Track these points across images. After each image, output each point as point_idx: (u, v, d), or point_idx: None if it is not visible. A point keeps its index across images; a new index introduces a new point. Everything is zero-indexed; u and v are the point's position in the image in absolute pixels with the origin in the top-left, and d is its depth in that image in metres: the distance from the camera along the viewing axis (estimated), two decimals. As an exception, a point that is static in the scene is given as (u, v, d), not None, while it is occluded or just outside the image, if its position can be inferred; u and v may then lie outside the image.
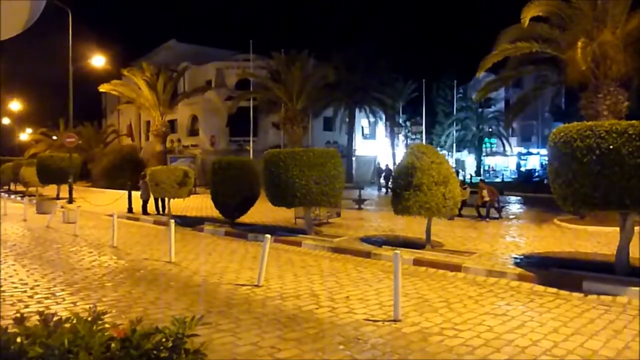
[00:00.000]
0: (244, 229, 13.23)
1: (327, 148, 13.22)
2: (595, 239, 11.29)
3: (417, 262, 9.17)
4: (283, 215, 15.00)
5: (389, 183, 25.81)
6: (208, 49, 43.42)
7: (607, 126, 7.01)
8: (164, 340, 1.87)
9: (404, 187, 9.77)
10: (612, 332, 5.57)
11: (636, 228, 9.29)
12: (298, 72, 28.99)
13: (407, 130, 48.41)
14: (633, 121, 7.05)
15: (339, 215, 15.33)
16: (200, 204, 20.33)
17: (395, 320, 5.91)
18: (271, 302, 6.80)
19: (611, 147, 6.80)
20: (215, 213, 14.90)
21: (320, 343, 5.26)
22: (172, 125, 38.95)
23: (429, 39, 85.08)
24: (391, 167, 30.74)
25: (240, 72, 34.35)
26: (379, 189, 28.98)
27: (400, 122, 47.45)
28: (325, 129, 42.60)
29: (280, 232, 12.58)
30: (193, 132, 40.90)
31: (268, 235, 8.02)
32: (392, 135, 45.50)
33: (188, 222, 14.97)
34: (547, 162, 9.58)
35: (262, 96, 32.63)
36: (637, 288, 6.85)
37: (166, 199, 16.54)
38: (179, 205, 18.40)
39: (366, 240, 11.42)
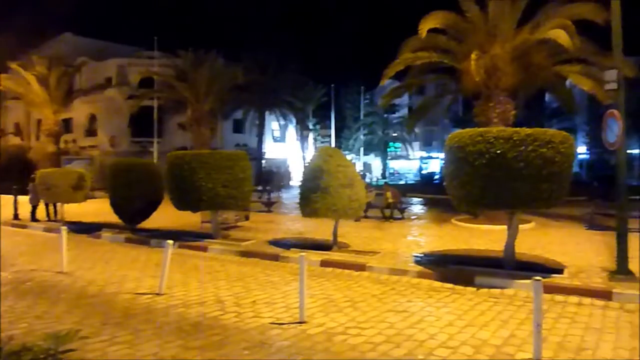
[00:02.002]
0: (146, 235, 12.61)
1: (235, 150, 13.01)
2: (487, 237, 12.17)
3: (324, 264, 9.30)
4: (189, 219, 14.51)
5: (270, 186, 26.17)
6: (109, 44, 40.97)
7: (495, 132, 7.60)
8: (35, 358, 1.69)
9: (311, 190, 9.87)
10: (500, 322, 6.03)
11: (520, 226, 10.19)
12: (206, 72, 28.26)
13: (316, 134, 49.17)
14: (517, 128, 7.71)
15: (247, 218, 15.15)
16: (98, 209, 19.03)
17: (300, 322, 5.93)
18: (174, 311, 6.53)
19: (499, 151, 7.37)
20: (114, 219, 14.03)
21: (224, 349, 5.13)
22: (67, 125, 36.21)
23: (338, 45, 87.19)
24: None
25: (143, 70, 32.70)
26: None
27: (310, 125, 48.10)
28: (235, 131, 42.01)
29: (185, 237, 12.15)
30: (91, 132, 38.33)
31: (170, 241, 7.69)
32: (302, 139, 45.97)
33: (84, 229, 13.97)
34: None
35: (167, 96, 31.38)
36: (522, 281, 7.48)
37: (59, 204, 15.29)
38: (74, 210, 17.09)
39: (275, 243, 11.39)
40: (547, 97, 42.32)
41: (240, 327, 5.84)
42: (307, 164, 10.58)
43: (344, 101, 53.12)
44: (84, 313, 6.41)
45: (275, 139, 47.10)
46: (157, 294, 7.28)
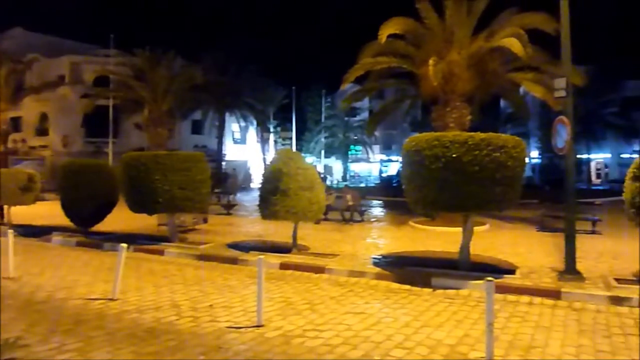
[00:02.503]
0: (100, 239, 12.20)
1: (193, 152, 12.79)
2: (444, 239, 12.43)
3: (284, 266, 9.26)
4: (145, 222, 14.12)
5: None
6: (62, 41, 39.55)
7: (450, 137, 7.78)
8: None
9: (271, 192, 9.81)
10: (454, 322, 6.16)
11: (475, 228, 10.46)
12: (164, 71, 27.66)
13: (277, 136, 49.05)
14: (472, 133, 7.92)
15: (205, 221, 14.91)
16: (49, 211, 18.26)
17: (258, 326, 5.88)
18: (127, 316, 6.33)
19: (454, 155, 7.55)
20: (66, 222, 13.49)
21: (179, 355, 5.02)
22: (16, 124, 34.60)
23: (300, 47, 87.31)
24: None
25: (99, 68, 31.77)
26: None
27: (272, 127, 47.92)
28: (193, 132, 41.33)
29: (141, 240, 11.83)
30: (42, 131, 36.82)
31: (124, 245, 7.46)
32: (263, 141, 45.73)
33: (33, 232, 13.39)
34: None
35: (123, 95, 30.46)
36: (476, 281, 7.67)
37: (5, 207, 14.59)
38: (23, 213, 16.33)
39: (234, 246, 11.25)
40: (502, 102, 43.84)
41: (196, 332, 5.73)
42: (267, 167, 10.52)
43: (306, 104, 53.28)
44: (31, 320, 6.13)
45: (235, 141, 46.64)
46: (110, 300, 7.05)
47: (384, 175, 55.49)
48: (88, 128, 35.11)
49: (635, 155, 7.99)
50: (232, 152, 44.33)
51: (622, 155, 48.98)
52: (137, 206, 11.30)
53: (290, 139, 45.27)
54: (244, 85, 39.05)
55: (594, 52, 45.04)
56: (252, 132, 47.42)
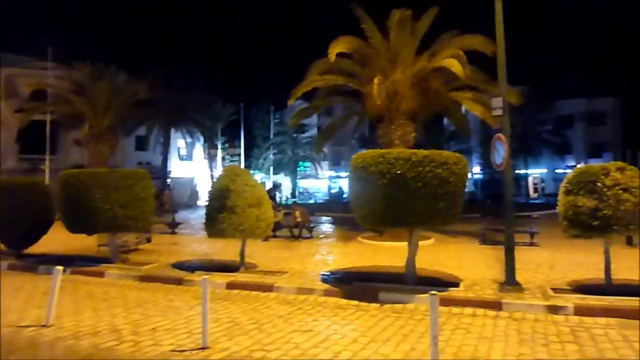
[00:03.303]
0: (34, 261, 11.50)
1: (136, 169, 12.35)
2: (391, 253, 12.60)
3: (230, 286, 9.07)
4: (84, 243, 13.43)
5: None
6: (-5, 53, 37.41)
7: (395, 154, 7.96)
8: None
9: (217, 210, 9.63)
10: (401, 336, 6.22)
11: (421, 242, 10.68)
12: (105, 86, 26.72)
13: (225, 153, 48.47)
14: (416, 150, 8.14)
15: (149, 240, 14.40)
16: (-22, 233, 17.06)
17: (203, 348, 5.70)
18: (62, 343, 5.97)
19: (399, 172, 7.72)
20: (-4, 243, 12.64)
21: (118, 383, 4.76)
22: (-58, 139, 32.29)
23: (248, 63, 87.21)
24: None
25: (36, 82, 30.27)
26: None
27: (219, 144, 47.31)
28: (137, 149, 40.05)
29: (79, 262, 11.24)
30: (-29, 147, 34.48)
31: (60, 267, 7.06)
32: (210, 157, 45.03)
33: (-42, 256, 12.42)
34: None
35: (62, 110, 29.16)
36: (422, 295, 7.81)
37: None
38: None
39: (179, 266, 10.91)
40: (445, 120, 45.52)
41: (137, 357, 5.48)
42: (213, 184, 10.33)
43: (254, 120, 53.13)
44: (-49, 352, 5.65)
45: (181, 157, 45.61)
46: (44, 326, 6.63)
47: (333, 191, 55.92)
48: (23, 144, 33.27)
49: (568, 170, 8.47)
50: (178, 168, 43.31)
51: (557, 170, 51.97)
52: (76, 226, 10.77)
53: (239, 155, 44.84)
54: (191, 101, 38.41)
55: (530, 73, 47.85)
56: (199, 149, 46.57)
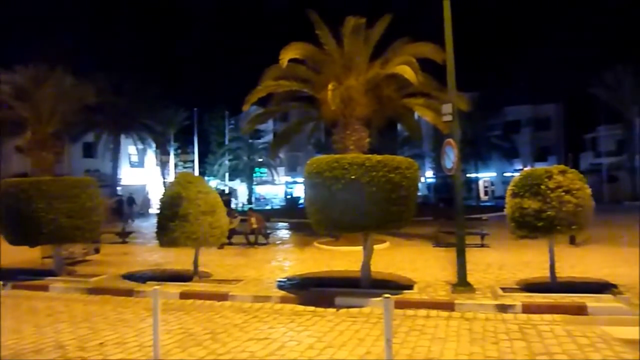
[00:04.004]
0: (-29, 276, 10.81)
1: (82, 177, 11.86)
2: (348, 258, 12.66)
3: (184, 295, 8.85)
4: (26, 255, 12.76)
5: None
6: None
7: (349, 159, 8.02)
8: None
9: (169, 218, 9.39)
10: (357, 340, 6.25)
11: (376, 246, 10.81)
12: (50, 90, 25.61)
13: (178, 159, 47.42)
14: (369, 155, 8.24)
15: (97, 251, 13.87)
16: None
17: (155, 361, 5.51)
18: (1, 363, 5.63)
19: (353, 177, 7.79)
20: None
21: (62, 403, 4.53)
22: None
23: (202, 69, 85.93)
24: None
25: (-28, 86, 28.61)
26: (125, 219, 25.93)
27: (172, 150, 46.27)
28: (85, 156, 38.59)
29: (21, 276, 10.65)
30: None
31: (-1, 281, 6.67)
32: (163, 164, 43.95)
33: None
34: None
35: (2, 115, 27.75)
36: (377, 299, 7.87)
37: None
38: None
39: (129, 277, 10.54)
40: (399, 125, 46.40)
41: (83, 374, 5.23)
42: (165, 191, 10.07)
43: (208, 126, 52.23)
44: None
45: (132, 164, 44.27)
46: (-20, 345, 6.23)
47: (289, 197, 55.78)
48: (-42, 152, 31.37)
49: (516, 174, 8.81)
50: (128, 176, 42.02)
51: (506, 174, 54.01)
52: (17, 238, 10.23)
53: (192, 161, 43.94)
54: (142, 106, 37.36)
55: (481, 81, 49.61)
56: (151, 155, 45.36)
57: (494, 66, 78.01)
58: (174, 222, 9.26)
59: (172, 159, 46.05)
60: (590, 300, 7.44)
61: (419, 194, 54.37)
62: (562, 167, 8.17)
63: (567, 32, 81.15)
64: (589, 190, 7.96)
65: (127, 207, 34.93)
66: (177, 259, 12.65)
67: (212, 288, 9.18)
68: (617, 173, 46.98)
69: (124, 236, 18.21)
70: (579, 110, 52.16)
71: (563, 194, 7.66)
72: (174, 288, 9.10)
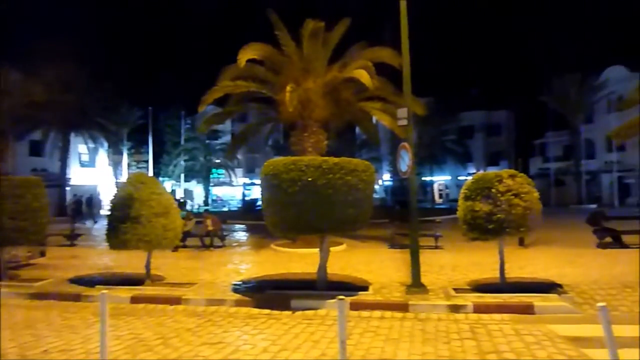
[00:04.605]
0: None
1: (28, 177, 11.29)
2: (305, 260, 12.64)
3: (135, 300, 8.59)
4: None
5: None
6: None
7: (306, 161, 8.03)
8: None
9: (120, 220, 9.09)
10: (312, 342, 6.24)
11: (333, 248, 10.84)
12: (-7, 86, 24.48)
13: (132, 159, 46.09)
14: (326, 157, 8.26)
15: (43, 254, 13.26)
16: None
17: (102, 369, 5.30)
18: None
19: (310, 179, 7.79)
20: None
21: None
22: None
23: (158, 66, 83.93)
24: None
25: None
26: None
27: (125, 150, 44.93)
28: (32, 154, 36.92)
29: (-42, 280, 10.06)
30: None
31: None
32: (116, 164, 42.61)
33: None
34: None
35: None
36: (332, 300, 7.89)
37: None
38: None
39: (77, 281, 10.12)
40: (358, 128, 46.92)
41: (24, 384, 4.98)
42: (116, 192, 9.75)
43: (164, 125, 50.96)
44: None
45: (83, 164, 42.70)
46: None
47: (247, 198, 55.26)
48: None
49: (469, 177, 9.05)
50: (78, 176, 40.49)
51: (460, 177, 55.51)
52: (-46, 240, 9.65)
53: (146, 162, 42.80)
54: (94, 103, 36.09)
55: (437, 86, 50.81)
56: (103, 155, 43.88)
57: (450, 72, 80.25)
58: (125, 224, 8.98)
59: (125, 158, 44.71)
60: (537, 300, 7.72)
61: (376, 196, 55.18)
62: (511, 171, 8.45)
63: (519, 41, 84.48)
64: (536, 194, 8.28)
65: (86, 207, 33.72)
66: (129, 262, 12.25)
67: (165, 292, 8.95)
68: (564, 178, 49.32)
69: (73, 238, 17.50)
70: (529, 116, 54.35)
71: (512, 197, 7.93)
72: (125, 292, 8.82)
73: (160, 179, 48.28)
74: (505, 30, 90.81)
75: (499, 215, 7.89)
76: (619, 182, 42.77)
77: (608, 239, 14.25)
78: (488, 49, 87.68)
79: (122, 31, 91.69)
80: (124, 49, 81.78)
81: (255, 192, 56.94)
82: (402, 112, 8.96)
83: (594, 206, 33.88)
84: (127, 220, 8.95)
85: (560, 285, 8.64)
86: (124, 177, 42.17)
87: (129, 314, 7.84)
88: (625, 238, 14.12)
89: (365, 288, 8.93)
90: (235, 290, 9.05)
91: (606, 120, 41.15)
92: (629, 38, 65.62)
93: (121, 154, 43.54)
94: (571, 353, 5.66)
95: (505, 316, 7.29)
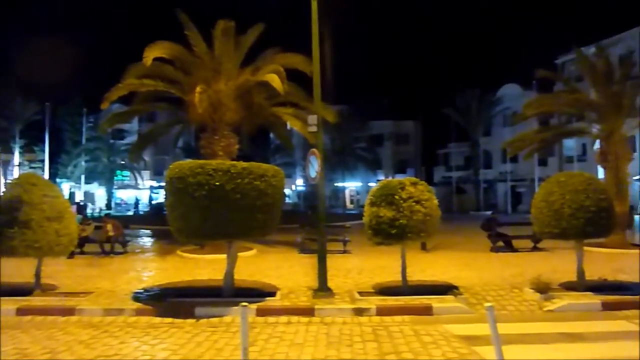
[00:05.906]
0: None
1: None
2: (212, 266, 12.32)
3: (22, 312, 7.88)
4: None
5: None
6: None
7: (214, 165, 7.87)
8: None
9: (7, 225, 8.29)
10: (215, 350, 6.11)
11: (243, 253, 10.71)
12: None
13: (23, 158, 42.31)
14: (235, 162, 8.16)
15: None
16: None
17: (-24, 390, 4.80)
18: None
19: (217, 183, 7.64)
20: None
21: None
22: None
23: (57, 59, 77.98)
24: None
25: None
26: None
27: (17, 148, 41.17)
28: None
29: None
30: None
31: None
32: (4, 164, 38.87)
33: None
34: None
35: None
36: (239, 307, 7.77)
37: None
38: None
39: (-48, 292, 9.07)
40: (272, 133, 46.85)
41: None
42: (3, 195, 8.90)
43: (62, 122, 47.43)
44: None
45: (-34, 163, 38.53)
46: None
47: (154, 202, 52.93)
48: None
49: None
50: (-39, 175, 36.45)
51: (370, 184, 57.30)
52: None
53: (42, 161, 39.54)
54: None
55: (351, 94, 52.23)
56: (-10, 153, 39.87)
57: (364, 81, 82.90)
58: (12, 229, 8.22)
59: (16, 157, 40.92)
60: (435, 301, 8.17)
61: (289, 201, 55.27)
62: (413, 179, 8.90)
63: (429, 55, 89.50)
64: (436, 201, 8.77)
65: None
66: (18, 271, 11.15)
67: (57, 302, 8.30)
68: (464, 186, 52.88)
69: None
70: (434, 127, 57.67)
71: (414, 204, 8.33)
72: (10, 303, 8.05)
73: (58, 180, 44.86)
74: (417, 44, 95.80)
75: (401, 221, 8.25)
76: (512, 190, 46.63)
77: (500, 244, 15.49)
78: (400, 61, 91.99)
79: (19, 20, 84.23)
80: (18, 36, 75.16)
81: (137, 196, 54.56)
82: (312, 119, 9.09)
83: (490, 213, 36.61)
84: (14, 225, 8.20)
85: (456, 287, 9.19)
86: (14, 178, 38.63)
87: (14, 328, 7.17)
88: (516, 243, 15.43)
89: (273, 294, 8.91)
90: (136, 299, 8.61)
91: (502, 133, 44.76)
92: (521, 58, 72.21)
93: (11, 152, 39.81)
94: (463, 351, 6.05)
95: (406, 318, 7.62)
